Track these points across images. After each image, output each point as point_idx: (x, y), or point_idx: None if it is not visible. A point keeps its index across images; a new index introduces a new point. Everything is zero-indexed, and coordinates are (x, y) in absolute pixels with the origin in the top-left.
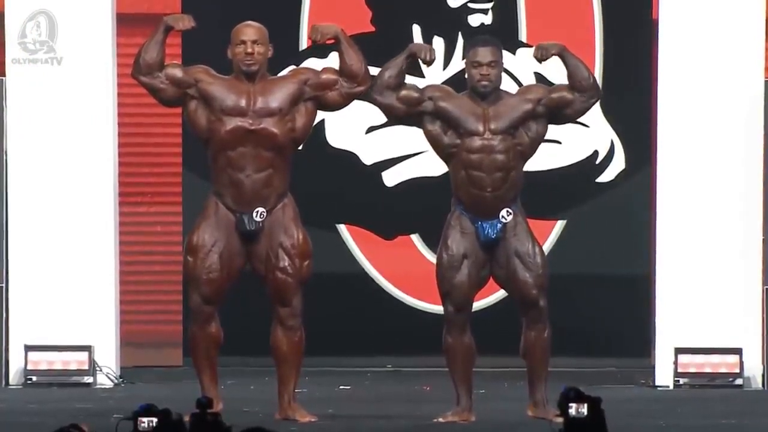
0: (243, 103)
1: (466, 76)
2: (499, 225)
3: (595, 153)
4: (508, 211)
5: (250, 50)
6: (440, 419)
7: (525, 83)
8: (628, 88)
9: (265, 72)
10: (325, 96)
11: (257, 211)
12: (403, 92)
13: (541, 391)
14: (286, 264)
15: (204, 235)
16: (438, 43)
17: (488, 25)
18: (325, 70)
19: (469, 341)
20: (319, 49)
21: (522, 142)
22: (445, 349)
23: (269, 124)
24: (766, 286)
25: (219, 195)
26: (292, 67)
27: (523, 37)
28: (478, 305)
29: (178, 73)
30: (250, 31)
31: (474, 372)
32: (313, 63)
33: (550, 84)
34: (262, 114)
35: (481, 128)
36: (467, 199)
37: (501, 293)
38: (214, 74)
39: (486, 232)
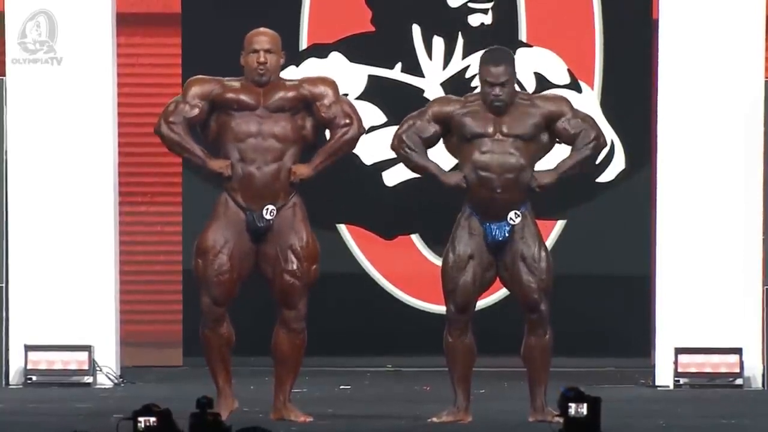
0: (253, 99)
1: (479, 84)
2: (507, 227)
3: None
4: (516, 213)
5: (262, 59)
6: (434, 419)
7: (525, 83)
8: (628, 88)
9: (277, 78)
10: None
11: (267, 209)
12: (429, 140)
13: (541, 396)
14: (295, 267)
15: (214, 236)
16: (438, 43)
17: (488, 24)
18: (332, 107)
19: (469, 342)
20: (319, 50)
21: (532, 146)
22: (446, 349)
23: (279, 118)
24: (766, 286)
25: (229, 190)
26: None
27: (523, 36)
28: (478, 305)
29: (194, 111)
30: (263, 39)
31: (474, 372)
32: (313, 63)
33: (553, 85)
34: (272, 109)
35: (491, 130)
36: (477, 200)
37: (501, 293)
38: (220, 81)
39: (493, 233)
